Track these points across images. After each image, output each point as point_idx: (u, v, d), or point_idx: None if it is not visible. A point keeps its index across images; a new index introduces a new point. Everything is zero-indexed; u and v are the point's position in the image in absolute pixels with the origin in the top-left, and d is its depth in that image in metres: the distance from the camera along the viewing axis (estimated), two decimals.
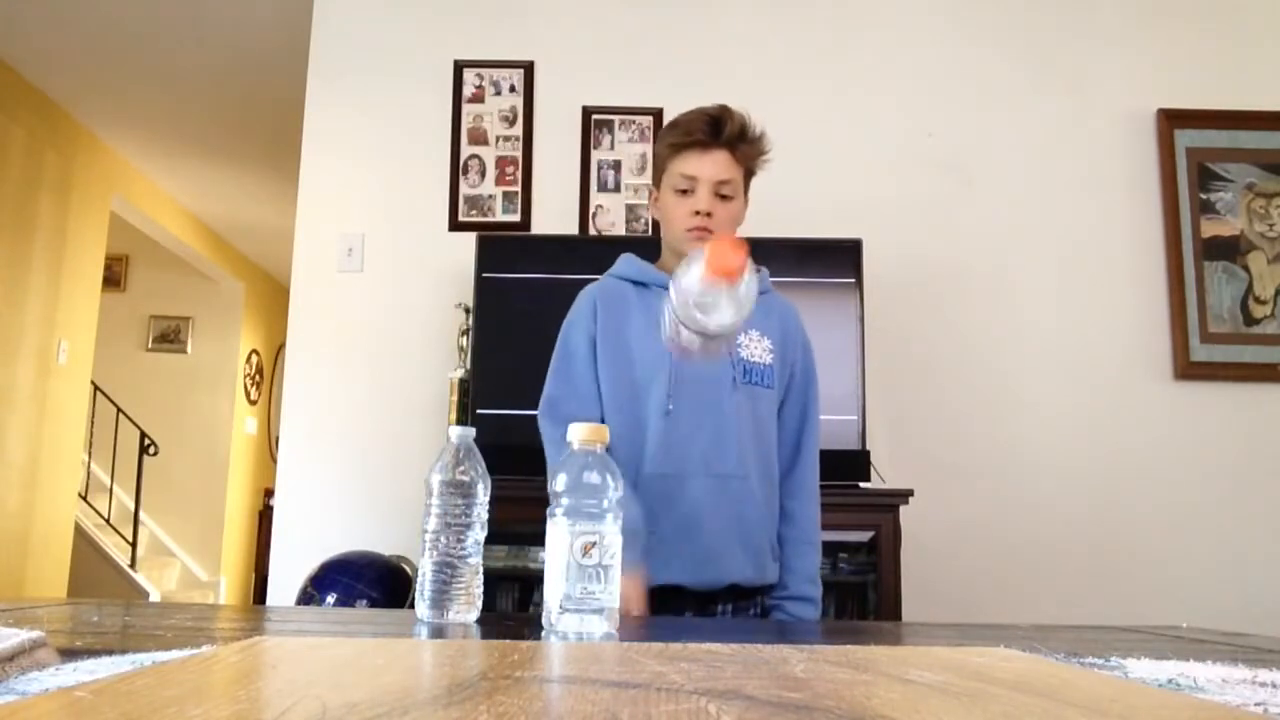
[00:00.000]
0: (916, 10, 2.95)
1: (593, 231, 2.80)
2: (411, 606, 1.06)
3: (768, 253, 2.49)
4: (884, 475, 2.55)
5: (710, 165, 1.43)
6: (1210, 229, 2.82)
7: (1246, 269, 2.80)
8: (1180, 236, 2.81)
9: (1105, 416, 2.74)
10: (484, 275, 2.52)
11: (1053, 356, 2.77)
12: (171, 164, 5.32)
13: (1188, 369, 2.74)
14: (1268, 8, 2.94)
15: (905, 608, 2.31)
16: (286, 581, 2.58)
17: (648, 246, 1.59)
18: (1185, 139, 2.85)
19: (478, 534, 1.01)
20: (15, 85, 4.27)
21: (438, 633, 0.93)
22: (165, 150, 5.12)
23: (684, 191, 1.44)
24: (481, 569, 1.02)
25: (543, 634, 0.91)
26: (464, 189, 2.85)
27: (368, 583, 2.30)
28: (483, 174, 2.85)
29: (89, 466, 6.07)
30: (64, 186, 4.68)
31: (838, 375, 2.45)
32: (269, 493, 6.73)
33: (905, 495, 2.34)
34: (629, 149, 2.85)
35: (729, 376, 1.44)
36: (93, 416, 5.85)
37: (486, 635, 0.94)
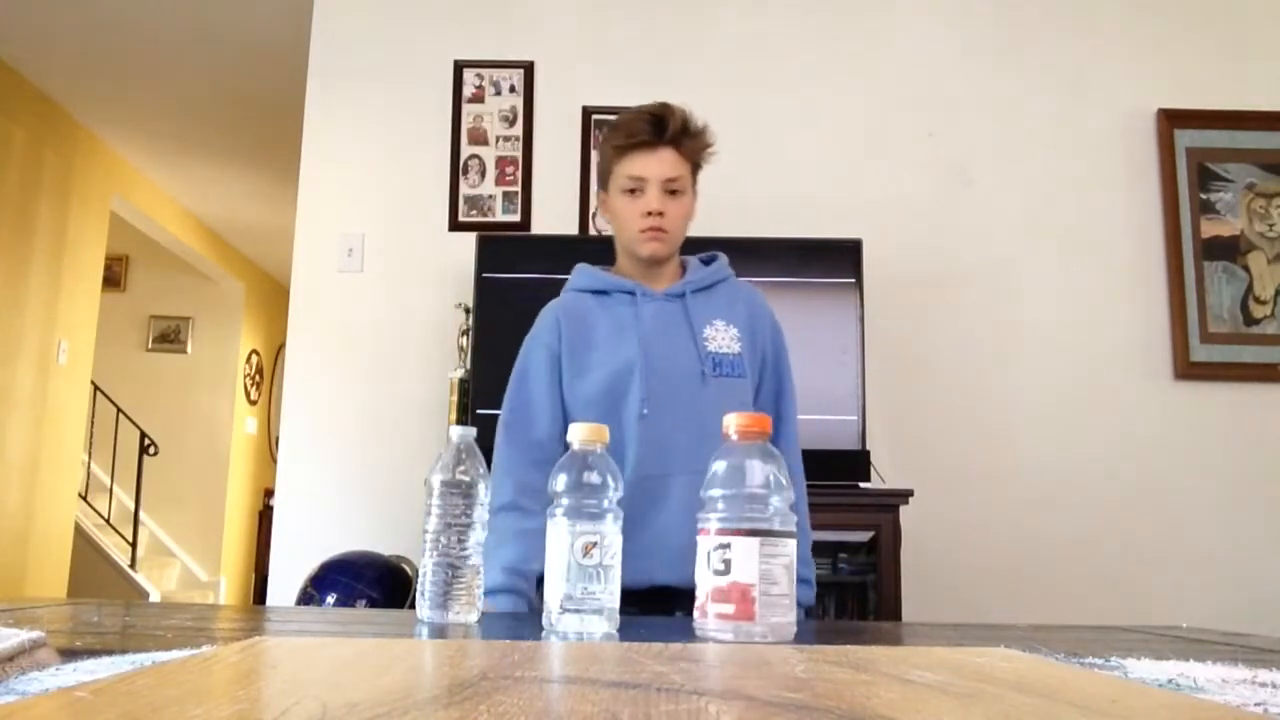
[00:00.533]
0: (917, 11, 2.95)
1: (593, 231, 2.80)
2: (412, 606, 1.06)
3: (768, 253, 2.51)
4: (884, 475, 2.55)
5: (657, 164, 1.44)
6: (1210, 229, 2.82)
7: (1246, 269, 2.80)
8: (1180, 236, 2.81)
9: (1105, 416, 2.74)
10: (484, 275, 2.52)
11: (1053, 357, 2.77)
12: (171, 164, 5.32)
13: (1187, 369, 2.74)
14: (1268, 8, 2.94)
15: (905, 608, 2.31)
16: (286, 581, 2.58)
17: None
18: (1185, 139, 2.85)
19: (478, 534, 1.01)
20: (15, 85, 4.27)
21: (439, 633, 0.93)
22: (165, 150, 5.12)
23: (633, 191, 1.45)
24: (482, 569, 1.03)
25: (543, 634, 0.91)
26: (464, 189, 2.85)
27: (368, 583, 2.30)
28: (483, 174, 2.85)
29: (89, 466, 6.07)
30: (64, 186, 4.68)
31: (838, 375, 2.45)
32: (269, 493, 6.73)
33: (905, 495, 2.34)
34: None
35: (698, 371, 1.44)
36: (93, 416, 5.85)
37: (487, 635, 0.94)
